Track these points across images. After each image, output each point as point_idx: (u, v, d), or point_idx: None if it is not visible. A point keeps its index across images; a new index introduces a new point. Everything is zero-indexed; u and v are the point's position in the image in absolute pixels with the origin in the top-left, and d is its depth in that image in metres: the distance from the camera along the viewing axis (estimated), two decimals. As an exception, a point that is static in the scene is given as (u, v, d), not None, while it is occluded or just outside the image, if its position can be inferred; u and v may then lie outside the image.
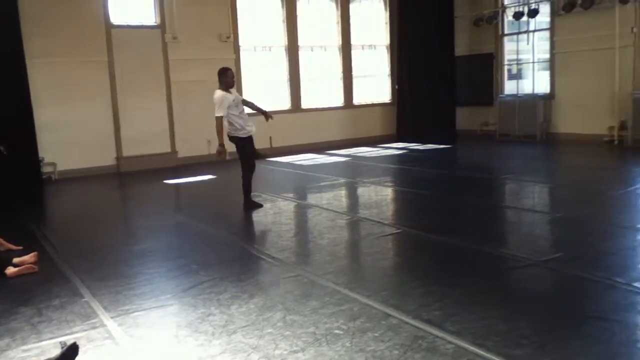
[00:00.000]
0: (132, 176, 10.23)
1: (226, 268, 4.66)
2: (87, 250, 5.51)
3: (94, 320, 3.69)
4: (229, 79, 6.81)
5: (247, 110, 7.11)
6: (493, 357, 2.96)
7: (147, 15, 11.14)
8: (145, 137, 10.93)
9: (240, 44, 12.15)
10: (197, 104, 11.48)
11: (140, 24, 11.05)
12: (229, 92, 6.78)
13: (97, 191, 9.32)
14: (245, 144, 6.84)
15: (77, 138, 10.30)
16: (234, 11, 12.00)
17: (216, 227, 6.21)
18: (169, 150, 11.32)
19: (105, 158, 10.72)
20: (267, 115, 7.15)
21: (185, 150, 11.39)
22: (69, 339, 3.29)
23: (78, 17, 10.28)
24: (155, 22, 11.18)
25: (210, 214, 6.95)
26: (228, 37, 11.81)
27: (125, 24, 10.84)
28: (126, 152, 10.83)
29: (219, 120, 6.70)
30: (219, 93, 6.75)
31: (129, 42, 10.76)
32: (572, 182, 8.30)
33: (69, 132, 10.19)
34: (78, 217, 7.28)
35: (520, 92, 13.47)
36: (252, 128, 6.91)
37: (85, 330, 3.54)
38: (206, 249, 5.36)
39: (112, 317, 3.73)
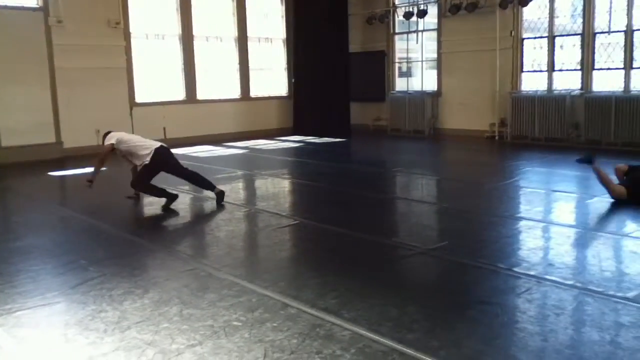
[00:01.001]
0: (12, 168, 9.52)
1: (117, 263, 4.48)
2: (-39, 248, 5.08)
3: (-30, 322, 3.42)
4: None
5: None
6: (387, 342, 3.09)
7: (28, -4, 10.43)
8: (27, 126, 10.20)
9: (131, 30, 11.67)
10: (84, 93, 10.94)
11: (19, 4, 10.29)
12: None
13: (-29, 184, 8.60)
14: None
15: (-53, 126, 9.47)
16: (124, -4, 11.51)
17: (106, 222, 5.95)
18: (53, 140, 10.66)
19: (-19, 148, 9.92)
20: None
21: (71, 140, 10.79)
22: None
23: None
24: (37, 4, 10.47)
25: (99, 208, 6.64)
26: (117, 23, 11.30)
27: (2, 4, 10.05)
28: (5, 142, 10.06)
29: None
30: None
31: (7, 25, 9.98)
32: (457, 175, 8.80)
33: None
34: (-51, 212, 6.69)
35: (410, 89, 14.05)
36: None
37: (-39, 333, 3.28)
38: (95, 244, 5.12)
39: (-9, 318, 3.48)
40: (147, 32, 12.07)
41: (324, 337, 3.15)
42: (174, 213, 6.30)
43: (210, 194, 6.67)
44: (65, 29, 10.58)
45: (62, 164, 9.84)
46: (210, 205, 6.60)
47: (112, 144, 6.60)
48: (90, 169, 6.86)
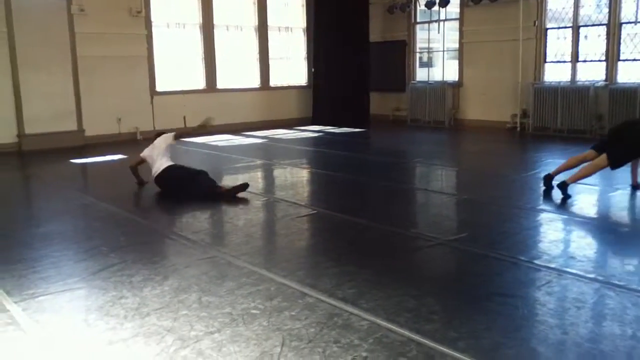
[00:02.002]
0: (35, 155, 9.67)
1: (138, 250, 4.53)
2: (-15, 233, 5.17)
3: (-6, 306, 3.49)
4: None
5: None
6: (405, 332, 3.08)
7: (51, -15, 10.50)
8: (50, 114, 10.33)
9: (152, 19, 11.72)
10: (105, 81, 11.04)
11: (43, -7, 10.40)
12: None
13: (-4, 171, 8.75)
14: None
15: (-27, 114, 9.62)
16: (146, -15, 11.54)
17: (127, 209, 6.01)
18: (75, 128, 10.76)
19: (5, 135, 10.05)
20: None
21: (93, 128, 10.89)
22: (-33, 326, 3.09)
23: (-27, -17, 9.54)
24: (61, -7, 10.56)
25: (120, 196, 6.71)
26: (139, 12, 11.35)
27: (26, -7, 10.16)
28: (29, 129, 10.19)
29: None
30: None
31: (30, 13, 10.08)
32: (477, 166, 8.72)
33: (-37, 106, 9.49)
34: (-26, 198, 6.81)
35: (430, 80, 13.92)
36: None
37: (-15, 316, 3.34)
38: (116, 232, 5.17)
39: (15, 302, 3.53)
40: (168, 21, 12.12)
41: (342, 327, 3.15)
42: (194, 202, 6.34)
43: (232, 182, 6.68)
44: (88, 17, 10.66)
45: (83, 151, 9.95)
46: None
47: (143, 157, 6.91)
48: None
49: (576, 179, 6.08)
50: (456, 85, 13.24)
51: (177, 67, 12.35)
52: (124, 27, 11.19)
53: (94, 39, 10.76)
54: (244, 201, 6.25)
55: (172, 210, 6.24)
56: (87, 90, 10.84)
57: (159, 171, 6.61)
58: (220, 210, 6.16)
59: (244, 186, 6.44)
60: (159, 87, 11.95)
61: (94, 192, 7.14)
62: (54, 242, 4.83)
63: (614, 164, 6.01)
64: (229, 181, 7.09)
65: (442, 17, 13.46)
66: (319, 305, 3.42)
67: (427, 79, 14.03)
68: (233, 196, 6.29)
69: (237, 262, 4.22)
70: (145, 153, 6.87)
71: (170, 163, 6.70)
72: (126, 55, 11.32)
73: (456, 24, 13.29)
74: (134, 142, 11.12)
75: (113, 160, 9.19)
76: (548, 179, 6.39)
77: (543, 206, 5.94)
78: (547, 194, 6.28)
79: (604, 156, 6.01)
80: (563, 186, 6.05)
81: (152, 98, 11.79)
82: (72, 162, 9.08)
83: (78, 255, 4.49)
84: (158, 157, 6.71)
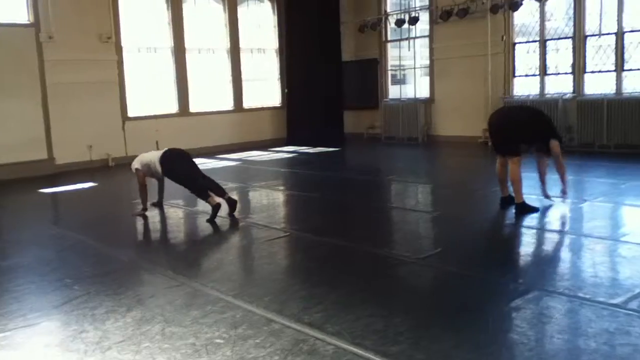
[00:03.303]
0: (3, 185, 9.48)
1: (103, 281, 4.44)
2: (-53, 269, 5.03)
3: (-50, 346, 3.38)
4: None
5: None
6: (371, 356, 3.04)
7: (20, 13, 10.41)
8: (18, 143, 10.18)
9: (122, 44, 11.68)
10: (76, 108, 10.94)
11: (11, 22, 10.31)
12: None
13: (-38, 203, 8.57)
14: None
15: (-61, 145, 9.44)
16: (116, 10, 11.50)
17: (95, 238, 5.90)
18: (45, 156, 10.63)
19: (-29, 166, 9.90)
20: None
21: (63, 156, 10.77)
22: None
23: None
24: (29, 21, 10.48)
25: (89, 225, 6.60)
26: (109, 38, 11.31)
27: (-6, 21, 10.08)
28: (-3, 159, 10.05)
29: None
30: None
31: (-1, 41, 10.01)
32: (450, 182, 8.77)
33: None
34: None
35: (403, 97, 14.04)
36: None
37: (-61, 357, 3.24)
38: (82, 262, 5.07)
39: (-29, 341, 3.43)
40: (139, 46, 12.08)
41: (307, 353, 3.10)
42: (164, 228, 6.26)
43: (204, 207, 6.62)
44: (57, 44, 10.59)
45: (53, 180, 9.80)
46: (201, 219, 6.56)
47: (137, 169, 6.68)
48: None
49: (519, 192, 6.07)
50: (428, 102, 13.37)
51: (149, 92, 12.29)
52: (94, 53, 11.13)
53: (64, 66, 10.69)
54: (216, 226, 6.19)
55: (140, 238, 6.16)
56: (58, 118, 10.72)
57: (159, 155, 6.58)
58: (191, 236, 6.10)
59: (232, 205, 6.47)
60: (131, 112, 11.87)
61: (63, 222, 7.04)
62: (18, 275, 4.72)
63: (513, 154, 6.04)
64: (201, 206, 7.02)
65: (413, 34, 13.62)
66: (285, 332, 3.37)
67: (399, 96, 14.15)
68: (228, 204, 6.36)
69: (204, 290, 4.16)
70: (140, 166, 6.71)
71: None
72: (97, 81, 11.24)
73: (426, 41, 13.47)
74: (106, 168, 11.02)
75: (84, 189, 9.07)
76: (507, 200, 6.36)
77: (513, 220, 5.97)
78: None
79: (509, 157, 6.07)
80: (521, 207, 6.05)
81: (123, 123, 11.70)
82: (41, 192, 8.93)
83: (41, 289, 4.39)
84: (156, 155, 6.70)
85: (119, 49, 11.59)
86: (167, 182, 6.89)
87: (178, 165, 6.63)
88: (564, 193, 6.38)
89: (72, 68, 10.79)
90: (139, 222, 6.59)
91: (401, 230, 6.15)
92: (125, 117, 11.74)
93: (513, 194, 6.20)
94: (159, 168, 6.57)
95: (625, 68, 10.56)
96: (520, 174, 6.06)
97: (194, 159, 6.81)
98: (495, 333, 3.34)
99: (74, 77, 10.82)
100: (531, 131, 6.10)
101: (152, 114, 12.17)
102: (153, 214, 6.82)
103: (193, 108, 12.83)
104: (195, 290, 4.17)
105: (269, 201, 7.95)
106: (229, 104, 13.56)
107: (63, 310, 3.86)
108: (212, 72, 13.32)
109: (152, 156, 6.72)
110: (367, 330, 3.36)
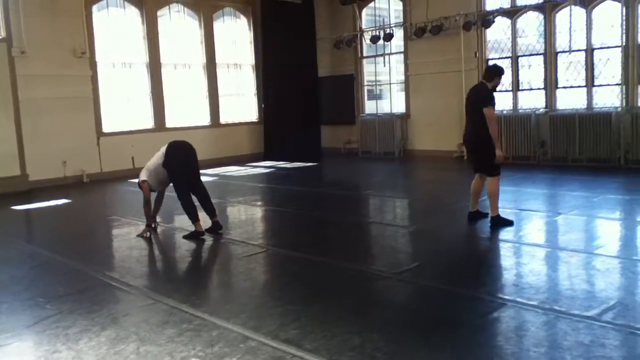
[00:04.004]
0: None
1: (76, 300, 4.36)
2: None
3: None
4: None
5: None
6: (348, 372, 3.03)
7: (-9, 28, 10.31)
8: (-10, 159, 10.01)
9: (97, 59, 11.59)
10: (49, 123, 10.80)
11: (-19, 37, 10.18)
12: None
13: None
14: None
15: None
16: (90, 25, 11.43)
17: (68, 256, 5.80)
18: (18, 173, 10.44)
19: (-59, 183, 9.68)
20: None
21: (37, 173, 10.59)
22: None
23: None
24: (1, 35, 10.34)
25: (62, 242, 6.49)
26: (83, 53, 11.21)
27: (-36, 36, 9.93)
28: (-33, 176, 9.85)
29: None
30: None
31: (-32, 57, 9.85)
32: (426, 196, 8.83)
33: None
34: None
35: (379, 112, 14.15)
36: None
37: None
38: (55, 280, 4.98)
39: (-62, 364, 3.34)
40: (114, 61, 12.00)
41: (284, 370, 3.08)
42: (140, 244, 6.18)
43: (181, 223, 6.55)
44: (29, 59, 10.47)
45: (27, 197, 9.63)
46: (178, 235, 6.49)
47: (145, 181, 6.41)
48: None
49: (495, 205, 6.14)
50: (404, 117, 13.49)
51: (124, 107, 12.19)
52: (67, 68, 11.02)
53: (37, 81, 10.56)
54: (193, 242, 6.13)
55: (115, 255, 6.06)
56: (31, 134, 10.56)
57: (164, 149, 6.44)
58: (167, 253, 6.03)
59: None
60: (106, 128, 11.75)
61: (36, 240, 6.91)
62: (-12, 295, 4.61)
63: (490, 174, 6.13)
64: (178, 222, 6.97)
65: (388, 50, 13.76)
66: (262, 349, 3.34)
67: (376, 111, 14.25)
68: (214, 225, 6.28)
69: (180, 307, 4.10)
70: (146, 176, 6.45)
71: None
72: (71, 96, 11.12)
73: (402, 57, 13.62)
74: (80, 185, 10.86)
75: (58, 205, 8.92)
76: (474, 215, 6.42)
77: (489, 234, 6.02)
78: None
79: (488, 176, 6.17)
80: (496, 220, 6.13)
81: (98, 139, 11.57)
82: (13, 209, 8.77)
83: (12, 308, 4.29)
84: (154, 158, 6.50)
85: (93, 64, 11.50)
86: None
87: (180, 155, 6.44)
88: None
89: (46, 83, 10.67)
90: (115, 239, 6.50)
91: (378, 245, 6.17)
92: (100, 133, 11.61)
93: (482, 210, 6.27)
94: (161, 161, 6.36)
95: (595, 84, 10.80)
96: (499, 187, 6.13)
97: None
98: (471, 347, 3.35)
99: (47, 92, 10.69)
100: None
101: (127, 129, 12.06)
102: (128, 231, 6.73)
103: (169, 123, 12.75)
104: (170, 308, 4.12)
105: (247, 217, 7.91)
106: (205, 119, 13.52)
107: (35, 330, 3.78)
108: (189, 87, 13.28)
109: (156, 156, 6.50)
110: (344, 347, 3.34)
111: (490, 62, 11.26)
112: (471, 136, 6.26)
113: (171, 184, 6.45)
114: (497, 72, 6.22)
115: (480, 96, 6.11)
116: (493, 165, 6.10)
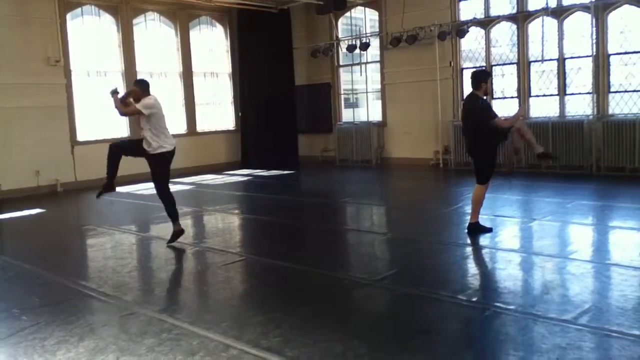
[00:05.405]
0: (-57, 213, 9.10)
1: (53, 311, 4.29)
2: None
3: None
4: None
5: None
6: (330, 379, 3.04)
7: (-39, 35, 10.13)
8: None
9: (71, 68, 11.46)
10: (22, 133, 10.64)
11: (-48, 44, 10.00)
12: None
13: None
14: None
15: None
16: (64, 34, 11.30)
17: (43, 267, 5.70)
18: (-11, 183, 10.26)
19: None
20: None
21: (9, 182, 10.40)
22: None
23: None
24: (-29, 43, 10.19)
25: (37, 253, 6.37)
26: (57, 61, 11.08)
27: None
28: (-64, 187, 9.63)
29: None
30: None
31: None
32: (403, 204, 8.90)
33: None
34: None
35: (356, 120, 14.23)
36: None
37: None
38: (31, 291, 4.89)
39: None
40: (89, 69, 11.88)
41: (266, 378, 3.07)
42: (116, 254, 6.11)
43: (157, 232, 6.50)
44: (1, 68, 10.30)
45: (-1, 207, 9.47)
46: (155, 244, 6.44)
47: (140, 111, 6.47)
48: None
49: (475, 213, 6.20)
50: (381, 125, 13.58)
51: (99, 116, 12.05)
52: (41, 77, 10.88)
53: (9, 90, 10.39)
54: (169, 252, 6.08)
55: (91, 265, 5.98)
56: (2, 143, 10.39)
57: (169, 148, 6.57)
58: (144, 262, 5.96)
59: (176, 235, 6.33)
60: (80, 137, 11.61)
61: (8, 250, 6.77)
62: (-40, 308, 4.51)
63: (479, 181, 6.20)
64: (154, 232, 6.91)
65: (364, 59, 13.87)
66: (243, 358, 3.33)
67: (353, 120, 14.33)
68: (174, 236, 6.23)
69: (159, 317, 4.06)
70: (147, 113, 6.54)
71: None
72: (44, 105, 10.96)
73: (378, 66, 13.73)
74: (54, 194, 10.70)
75: (31, 215, 8.77)
76: (474, 227, 6.33)
77: (466, 240, 6.09)
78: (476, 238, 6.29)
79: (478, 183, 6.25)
80: (475, 227, 6.18)
81: (72, 148, 11.42)
82: (-15, 219, 8.60)
83: (-14, 321, 4.20)
84: (160, 130, 6.62)
85: (68, 73, 11.37)
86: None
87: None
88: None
89: (18, 92, 10.51)
90: (91, 249, 6.41)
91: (356, 252, 6.19)
92: (74, 142, 11.47)
93: (471, 220, 6.29)
94: (161, 149, 6.55)
95: (567, 92, 11.03)
96: (484, 196, 6.20)
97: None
98: (451, 352, 3.38)
99: (20, 102, 10.53)
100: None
101: (102, 138, 11.90)
102: (103, 241, 6.64)
103: (145, 132, 12.61)
104: (149, 317, 4.08)
105: (224, 225, 7.87)
106: (182, 128, 13.43)
107: (10, 343, 3.70)
108: (165, 96, 13.14)
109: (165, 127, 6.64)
110: (326, 354, 3.35)
111: (471, 71, 11.37)
112: (471, 147, 6.32)
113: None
114: (482, 77, 6.24)
115: (476, 110, 6.13)
116: (484, 173, 6.17)
